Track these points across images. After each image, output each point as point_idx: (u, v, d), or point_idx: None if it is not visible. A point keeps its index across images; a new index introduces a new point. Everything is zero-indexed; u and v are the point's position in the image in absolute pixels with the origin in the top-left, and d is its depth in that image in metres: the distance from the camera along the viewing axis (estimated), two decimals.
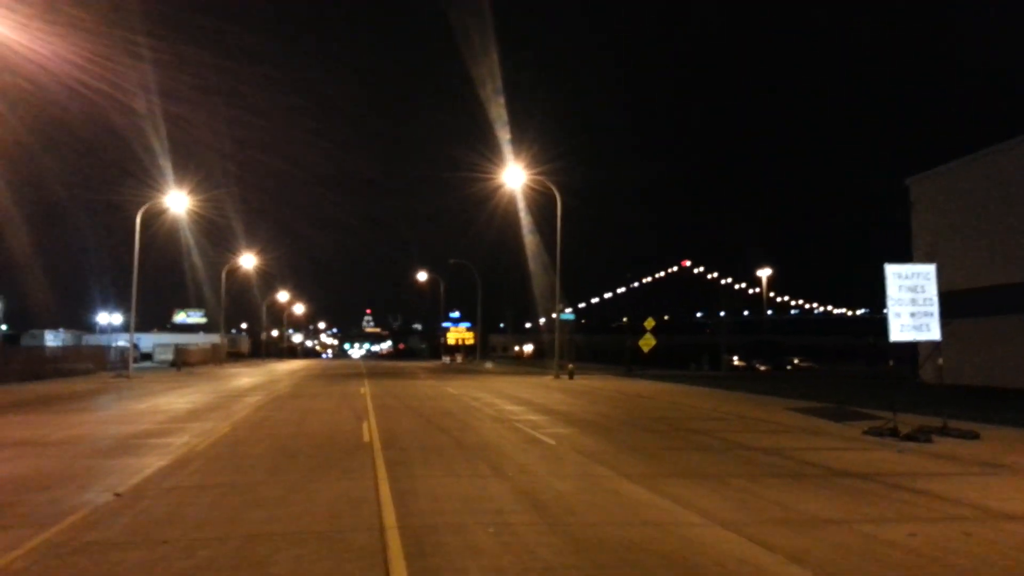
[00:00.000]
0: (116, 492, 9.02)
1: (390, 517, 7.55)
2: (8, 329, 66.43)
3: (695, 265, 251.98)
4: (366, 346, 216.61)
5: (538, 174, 40.47)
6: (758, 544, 6.70)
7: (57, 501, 8.55)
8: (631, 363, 47.20)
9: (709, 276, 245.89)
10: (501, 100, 51.67)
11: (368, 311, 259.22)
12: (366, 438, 13.90)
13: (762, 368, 62.79)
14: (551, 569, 5.90)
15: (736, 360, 66.17)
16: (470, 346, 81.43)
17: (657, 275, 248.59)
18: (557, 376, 38.28)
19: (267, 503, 8.35)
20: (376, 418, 17.49)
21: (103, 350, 52.75)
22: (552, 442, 13.53)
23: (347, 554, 6.29)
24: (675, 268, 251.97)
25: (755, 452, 12.51)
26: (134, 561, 6.14)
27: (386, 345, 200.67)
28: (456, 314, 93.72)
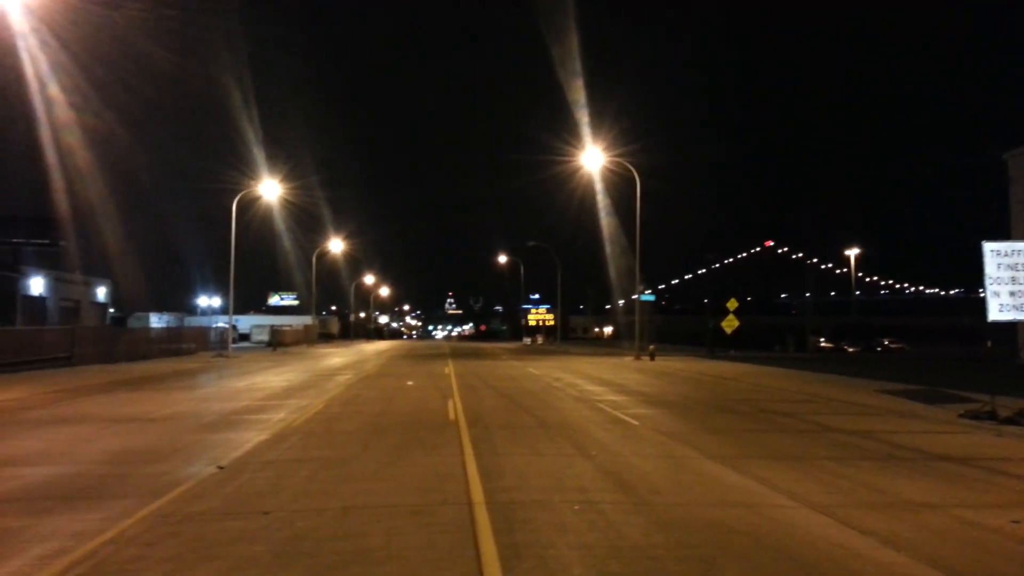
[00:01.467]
0: (219, 465, 9.53)
1: (477, 493, 7.74)
2: (116, 312, 70.15)
3: (779, 245, 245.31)
4: (448, 327, 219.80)
5: (617, 156, 40.11)
6: (850, 527, 6.58)
7: (165, 473, 9.09)
8: (713, 345, 46.43)
9: (794, 256, 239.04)
10: (579, 83, 51.33)
11: (450, 294, 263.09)
12: (452, 416, 14.20)
13: (850, 350, 60.82)
14: (638, 547, 5.95)
15: (823, 341, 64.28)
16: (550, 327, 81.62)
17: (740, 256, 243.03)
18: (637, 357, 38.04)
19: (360, 477, 8.67)
20: (461, 397, 17.82)
21: (204, 331, 55.17)
22: (635, 422, 13.53)
23: (437, 528, 6.50)
24: (758, 248, 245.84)
25: (844, 435, 12.20)
26: (237, 531, 6.50)
27: (468, 327, 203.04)
28: (536, 296, 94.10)
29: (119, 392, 20.41)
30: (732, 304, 41.31)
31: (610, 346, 66.48)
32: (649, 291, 53.72)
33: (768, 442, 11.46)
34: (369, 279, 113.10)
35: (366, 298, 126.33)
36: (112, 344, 37.52)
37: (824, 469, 9.24)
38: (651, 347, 39.31)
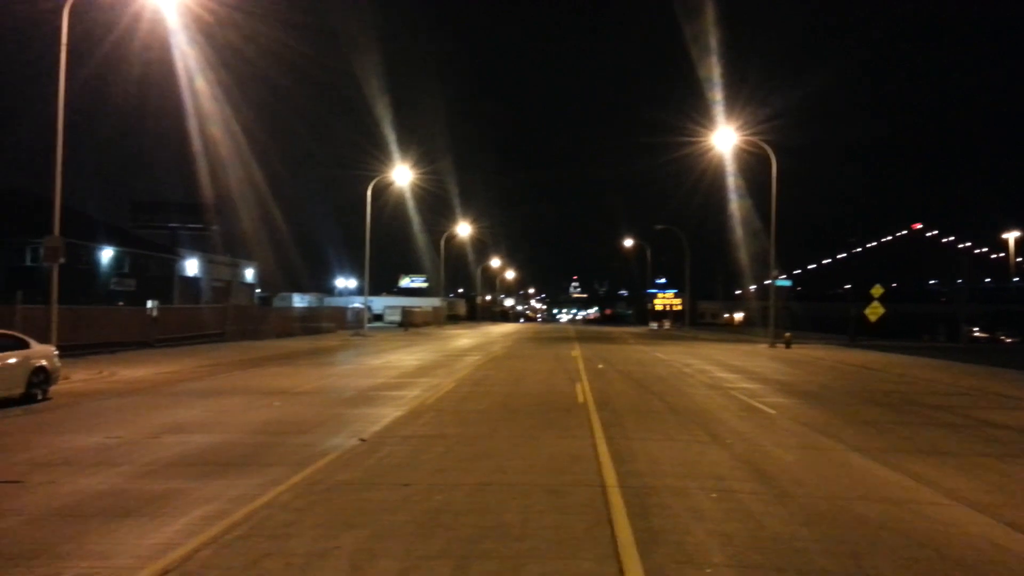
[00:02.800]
0: (361, 438, 9.95)
1: (610, 476, 7.69)
2: (262, 292, 74.47)
3: (928, 228, 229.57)
4: (573, 311, 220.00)
5: (751, 135, 38.59)
6: (1018, 530, 6.09)
7: (311, 444, 9.58)
8: (855, 333, 44.10)
9: (945, 240, 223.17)
10: (713, 59, 49.70)
11: (575, 277, 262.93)
12: (580, 399, 14.20)
13: (1008, 340, 56.34)
14: (781, 539, 5.74)
15: (977, 331, 59.80)
16: (678, 312, 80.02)
17: (884, 239, 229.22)
18: (772, 344, 36.69)
19: (493, 455, 8.82)
20: (589, 380, 17.78)
21: (341, 311, 57.81)
22: (771, 411, 13.05)
23: (571, 508, 6.51)
24: (905, 232, 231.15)
25: (1005, 430, 11.30)
26: (380, 500, 6.76)
27: (593, 311, 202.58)
28: (662, 280, 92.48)
29: (267, 367, 21.70)
30: (877, 291, 39.05)
31: (741, 333, 64.48)
32: (784, 276, 51.54)
33: (919, 436, 10.77)
34: (495, 262, 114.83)
35: (492, 281, 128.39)
36: (260, 322, 39.95)
37: (984, 466, 8.59)
38: (787, 334, 37.80)
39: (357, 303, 64.13)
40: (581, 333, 58.21)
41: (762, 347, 36.40)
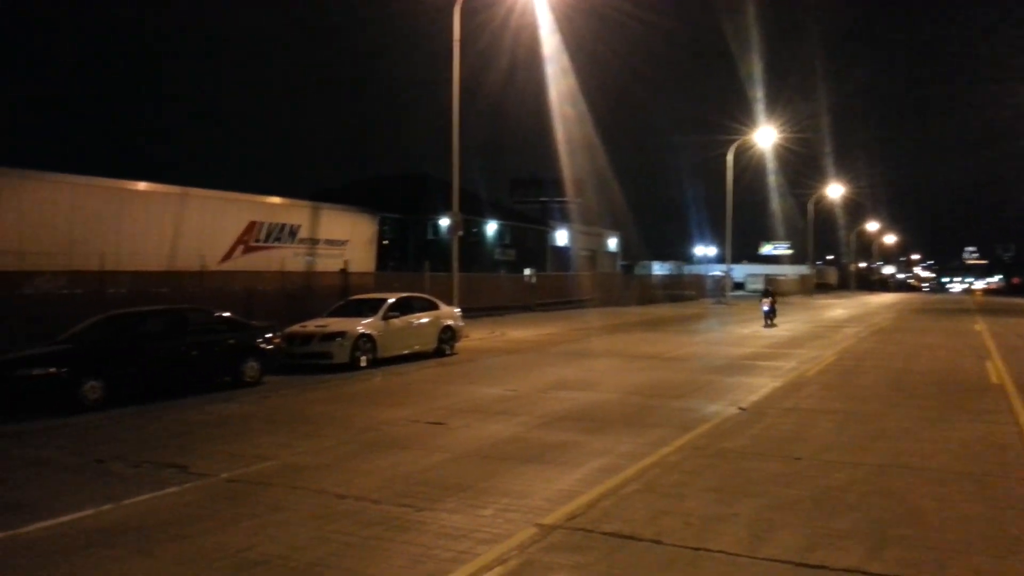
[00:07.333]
0: (740, 407, 9.73)
1: None
2: (624, 261, 77.02)
3: None
4: (969, 280, 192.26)
5: None
6: None
7: (689, 409, 9.62)
8: None
9: None
10: None
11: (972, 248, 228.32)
12: (994, 379, 12.30)
13: None
14: None
15: None
16: None
17: None
18: None
19: (890, 436, 8.01)
20: (1002, 358, 15.34)
21: (701, 279, 57.60)
22: None
23: (1000, 501, 5.65)
24: None
25: None
26: (771, 472, 6.51)
27: (995, 279, 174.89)
28: None
29: (633, 332, 22.39)
30: None
31: None
32: None
33: None
34: (872, 226, 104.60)
35: (867, 247, 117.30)
36: (623, 289, 41.41)
37: None
38: None
39: (718, 271, 63.14)
40: (982, 305, 50.54)
41: None
